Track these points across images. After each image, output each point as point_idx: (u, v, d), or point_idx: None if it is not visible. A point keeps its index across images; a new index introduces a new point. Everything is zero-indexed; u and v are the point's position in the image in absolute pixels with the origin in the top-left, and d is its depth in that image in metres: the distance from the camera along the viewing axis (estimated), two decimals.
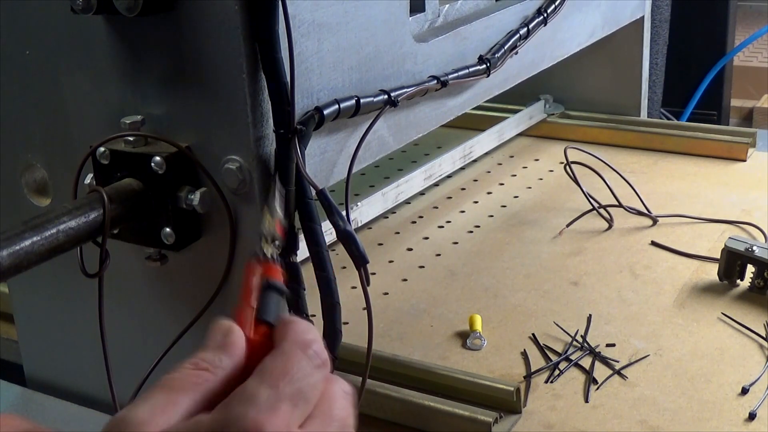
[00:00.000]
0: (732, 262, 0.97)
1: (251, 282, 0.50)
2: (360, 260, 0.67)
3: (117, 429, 0.42)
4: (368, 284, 0.68)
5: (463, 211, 1.22)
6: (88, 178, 0.73)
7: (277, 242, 0.55)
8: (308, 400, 0.43)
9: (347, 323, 0.80)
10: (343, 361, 0.74)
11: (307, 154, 0.72)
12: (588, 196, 1.16)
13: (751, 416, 0.77)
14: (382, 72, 0.83)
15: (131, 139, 0.71)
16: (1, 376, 0.92)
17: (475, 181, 1.32)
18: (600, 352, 0.87)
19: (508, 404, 0.79)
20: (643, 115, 1.46)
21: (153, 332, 0.79)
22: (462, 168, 1.32)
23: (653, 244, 1.09)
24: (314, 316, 0.70)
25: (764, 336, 0.89)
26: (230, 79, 0.68)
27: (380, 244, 1.13)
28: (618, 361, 0.86)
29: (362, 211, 1.08)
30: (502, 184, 1.31)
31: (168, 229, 0.71)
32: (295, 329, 0.46)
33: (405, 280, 1.05)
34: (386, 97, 0.82)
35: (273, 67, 0.68)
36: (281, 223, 0.56)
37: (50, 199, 0.81)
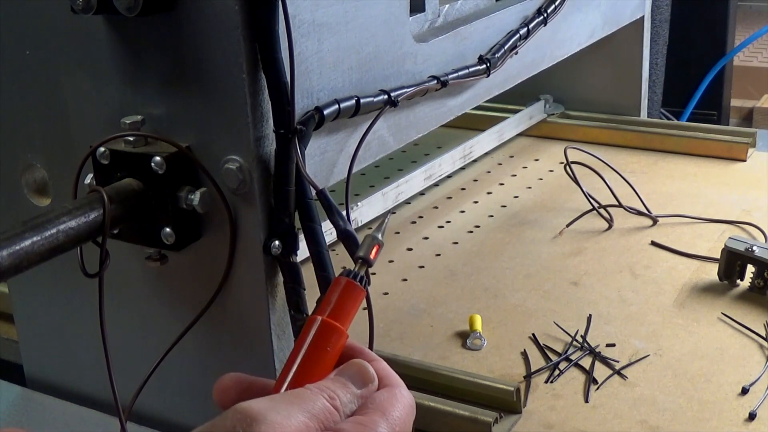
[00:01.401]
0: (732, 262, 0.97)
1: (333, 294, 0.53)
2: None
3: (247, 422, 0.43)
4: (368, 284, 0.68)
5: (463, 211, 1.23)
6: (88, 178, 0.73)
7: (368, 265, 0.56)
8: None
9: None
10: None
11: (307, 154, 0.72)
12: (588, 196, 1.16)
13: (751, 416, 0.77)
14: (382, 72, 0.83)
15: (131, 139, 0.71)
16: (1, 376, 0.92)
17: (475, 181, 1.32)
18: (600, 352, 0.87)
19: (508, 404, 0.79)
20: (643, 115, 1.46)
21: (153, 332, 0.79)
22: (462, 168, 1.32)
23: (653, 244, 1.09)
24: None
25: (764, 336, 0.89)
26: (230, 79, 0.68)
27: None
28: (618, 361, 0.86)
29: (362, 211, 1.08)
30: (502, 184, 1.31)
31: (168, 229, 0.71)
32: (388, 370, 0.52)
33: (405, 280, 1.05)
34: (386, 97, 0.82)
35: (273, 67, 0.68)
36: (380, 246, 0.56)
37: (50, 199, 0.81)
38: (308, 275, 0.71)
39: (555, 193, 1.26)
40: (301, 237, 0.72)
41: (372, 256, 0.56)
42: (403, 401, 0.50)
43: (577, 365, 0.86)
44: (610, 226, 1.14)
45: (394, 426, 0.48)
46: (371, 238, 0.56)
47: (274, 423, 0.43)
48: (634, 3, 1.38)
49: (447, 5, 0.99)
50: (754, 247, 0.95)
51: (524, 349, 0.89)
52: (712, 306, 0.95)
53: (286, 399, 0.46)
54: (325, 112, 0.74)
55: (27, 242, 0.61)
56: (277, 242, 0.70)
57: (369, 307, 0.70)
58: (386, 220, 0.58)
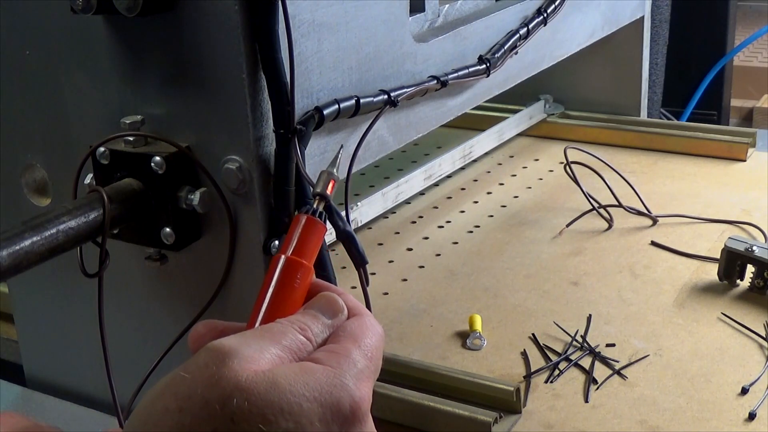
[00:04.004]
0: (732, 262, 0.97)
1: (294, 232, 0.53)
2: (360, 260, 0.67)
3: (219, 359, 0.43)
4: (368, 284, 0.68)
5: (463, 211, 1.22)
6: (88, 178, 0.73)
7: (326, 200, 0.56)
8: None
9: None
10: None
11: (307, 154, 0.72)
12: (588, 196, 1.16)
13: (751, 416, 0.77)
14: (382, 72, 0.83)
15: (131, 139, 0.71)
16: (1, 376, 0.92)
17: (475, 181, 1.32)
18: (600, 352, 0.87)
19: (508, 404, 0.79)
20: (643, 115, 1.46)
21: (153, 332, 0.79)
22: (462, 168, 1.32)
23: (653, 244, 1.09)
24: None
25: (764, 336, 0.89)
26: (230, 79, 0.68)
27: (380, 244, 1.13)
28: (618, 361, 0.86)
29: (362, 211, 1.08)
30: (502, 184, 1.31)
31: (168, 229, 0.71)
32: (356, 302, 0.52)
33: (405, 280, 1.05)
34: (386, 97, 0.82)
35: (273, 67, 0.68)
36: (335, 181, 0.57)
37: (50, 199, 0.81)
38: None
39: (555, 193, 1.26)
40: None
41: (328, 191, 0.56)
42: (373, 329, 0.50)
43: (577, 365, 0.86)
44: (610, 226, 1.14)
45: (366, 352, 0.48)
46: (326, 174, 0.57)
47: (247, 357, 0.43)
48: (634, 3, 1.38)
49: (447, 5, 0.99)
50: (754, 247, 0.95)
51: (524, 349, 0.89)
52: (712, 306, 0.95)
53: (257, 333, 0.46)
54: (325, 112, 0.74)
55: (27, 242, 0.61)
56: (277, 242, 0.70)
57: (368, 307, 0.70)
58: (339, 154, 0.60)
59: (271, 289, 0.51)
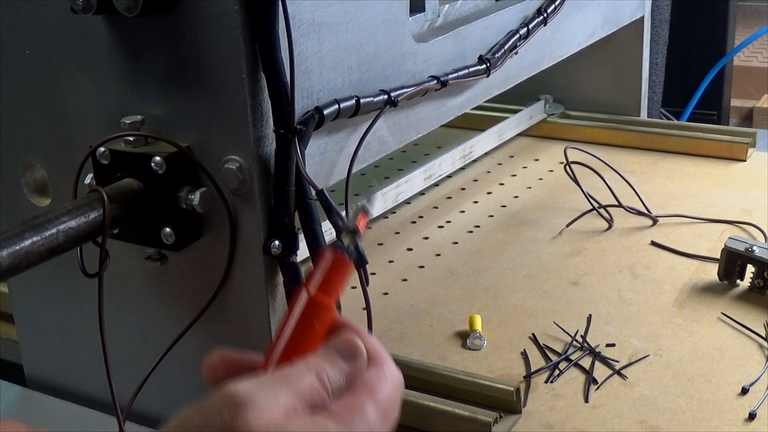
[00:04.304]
0: (732, 262, 0.97)
1: (320, 268, 0.52)
2: (360, 260, 0.67)
3: (234, 407, 0.43)
4: (368, 284, 0.68)
5: (463, 211, 1.22)
6: (88, 178, 0.73)
7: (356, 236, 0.54)
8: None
9: None
10: None
11: (307, 154, 0.72)
12: (588, 196, 1.16)
13: (751, 416, 0.77)
14: (382, 72, 0.83)
15: (131, 139, 0.71)
16: (1, 376, 0.92)
17: (475, 181, 1.32)
18: (600, 352, 0.87)
19: (508, 404, 0.79)
20: (643, 115, 1.46)
21: (153, 332, 0.79)
22: (462, 168, 1.32)
23: (653, 244, 1.09)
24: None
25: (764, 336, 0.89)
26: (230, 79, 0.68)
27: (380, 244, 1.13)
28: (618, 361, 0.86)
29: None
30: (502, 184, 1.31)
31: (168, 229, 0.71)
32: (376, 346, 0.52)
33: (405, 280, 1.05)
34: (386, 97, 0.82)
35: (273, 67, 0.68)
36: (367, 218, 0.55)
37: (50, 199, 0.81)
38: None
39: (555, 193, 1.26)
40: (301, 237, 0.72)
41: (360, 227, 0.55)
42: (391, 380, 0.50)
43: (577, 365, 0.86)
44: (610, 226, 1.14)
45: (382, 406, 0.48)
46: (358, 207, 0.55)
47: (261, 406, 0.43)
48: (634, 3, 1.38)
49: (447, 5, 0.99)
50: (754, 247, 0.95)
51: (524, 349, 0.89)
52: (712, 306, 0.95)
53: (274, 380, 0.46)
54: (325, 112, 0.74)
55: (27, 242, 0.61)
56: (277, 242, 0.70)
57: (368, 307, 0.70)
58: (376, 191, 0.58)
59: (290, 326, 0.51)
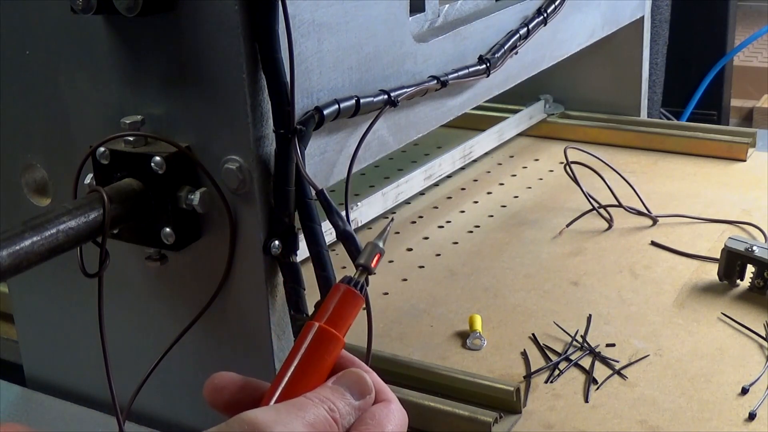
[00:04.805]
0: (732, 262, 0.97)
1: (331, 301, 0.53)
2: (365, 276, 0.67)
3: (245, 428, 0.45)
4: (368, 285, 0.68)
5: (463, 211, 1.23)
6: (88, 178, 0.73)
7: (369, 273, 0.56)
8: None
9: None
10: None
11: (307, 154, 0.72)
12: (588, 196, 1.16)
13: (751, 416, 0.77)
14: (382, 72, 0.83)
15: (131, 139, 0.71)
16: (1, 376, 0.92)
17: (475, 181, 1.32)
18: (600, 352, 0.87)
19: (508, 404, 0.79)
20: (643, 115, 1.46)
21: (153, 332, 0.79)
22: (462, 168, 1.32)
23: (653, 244, 1.09)
24: None
25: (764, 336, 0.89)
26: (230, 79, 0.68)
27: None
28: (618, 361, 0.86)
29: (362, 211, 1.08)
30: (502, 184, 1.31)
31: (168, 229, 0.71)
32: (382, 383, 0.53)
33: (405, 280, 1.05)
34: (386, 97, 0.82)
35: (273, 67, 0.68)
36: (381, 254, 0.56)
37: (50, 199, 0.81)
38: (308, 275, 0.71)
39: (555, 193, 1.26)
40: (301, 237, 0.72)
41: (373, 264, 0.56)
42: (398, 418, 0.51)
43: (577, 365, 0.86)
44: (610, 226, 1.14)
45: None
46: (372, 246, 0.56)
47: None
48: (634, 3, 1.38)
49: (447, 5, 0.99)
50: (754, 247, 0.95)
51: (524, 349, 0.89)
52: (712, 306, 0.95)
53: (289, 409, 0.47)
54: (325, 112, 0.74)
55: (27, 242, 0.61)
56: (277, 242, 0.70)
57: (368, 307, 0.70)
58: (388, 228, 0.58)
59: (298, 357, 0.51)
